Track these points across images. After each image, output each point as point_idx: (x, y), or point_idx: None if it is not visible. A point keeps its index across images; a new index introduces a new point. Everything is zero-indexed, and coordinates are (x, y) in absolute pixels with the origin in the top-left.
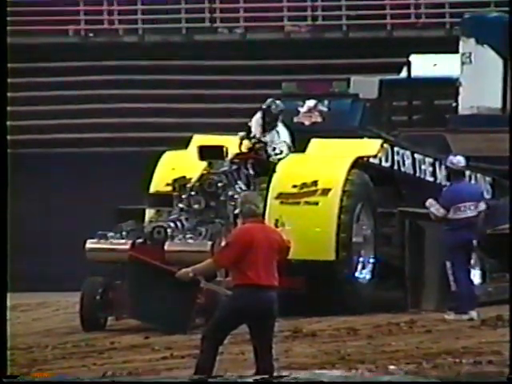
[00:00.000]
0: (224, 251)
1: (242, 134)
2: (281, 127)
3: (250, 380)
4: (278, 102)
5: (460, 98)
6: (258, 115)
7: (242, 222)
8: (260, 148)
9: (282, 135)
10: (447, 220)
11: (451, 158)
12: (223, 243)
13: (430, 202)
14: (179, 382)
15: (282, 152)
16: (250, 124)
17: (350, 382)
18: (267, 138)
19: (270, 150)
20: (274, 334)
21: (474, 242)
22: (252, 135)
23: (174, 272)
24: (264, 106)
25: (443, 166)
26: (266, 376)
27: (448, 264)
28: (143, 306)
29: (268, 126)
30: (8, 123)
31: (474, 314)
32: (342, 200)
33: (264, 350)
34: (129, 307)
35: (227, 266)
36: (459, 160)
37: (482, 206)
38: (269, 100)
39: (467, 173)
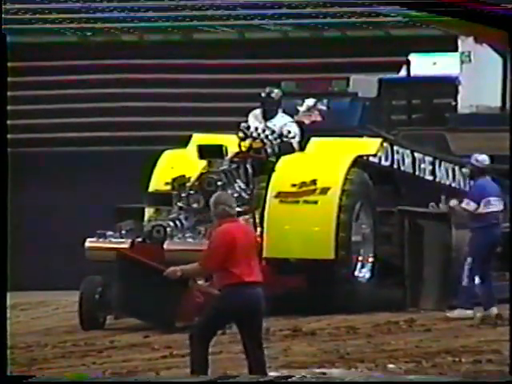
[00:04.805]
0: (210, 256)
1: (242, 129)
2: (281, 114)
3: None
4: (276, 89)
5: (459, 97)
6: (257, 111)
7: (218, 224)
8: (259, 147)
9: (286, 117)
10: (478, 215)
11: (476, 156)
12: (206, 247)
13: (453, 202)
14: (179, 381)
15: (290, 132)
16: (245, 124)
17: (354, 382)
18: (273, 123)
19: (281, 132)
20: (262, 330)
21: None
22: (250, 132)
23: (163, 270)
24: (263, 94)
25: (443, 165)
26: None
27: (469, 259)
28: (132, 302)
29: (269, 113)
30: (8, 122)
31: (494, 309)
32: (341, 199)
33: (255, 348)
34: (117, 304)
35: (215, 270)
36: (484, 158)
37: (502, 203)
38: (268, 88)
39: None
